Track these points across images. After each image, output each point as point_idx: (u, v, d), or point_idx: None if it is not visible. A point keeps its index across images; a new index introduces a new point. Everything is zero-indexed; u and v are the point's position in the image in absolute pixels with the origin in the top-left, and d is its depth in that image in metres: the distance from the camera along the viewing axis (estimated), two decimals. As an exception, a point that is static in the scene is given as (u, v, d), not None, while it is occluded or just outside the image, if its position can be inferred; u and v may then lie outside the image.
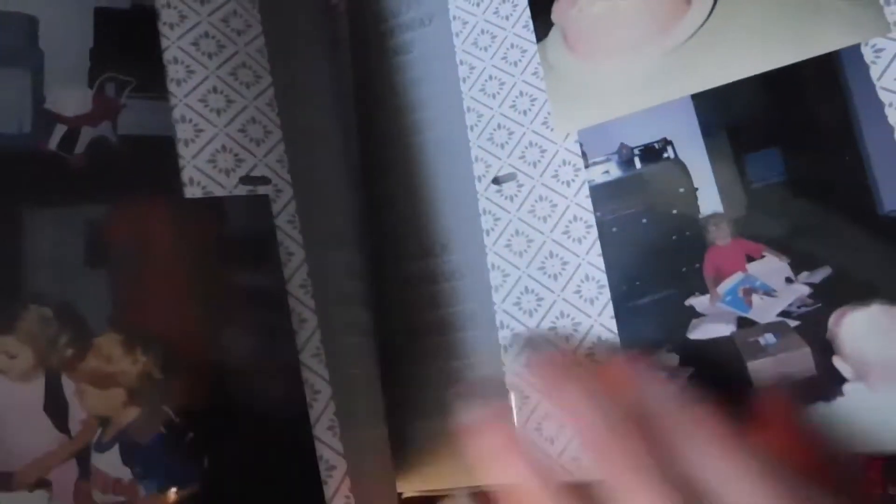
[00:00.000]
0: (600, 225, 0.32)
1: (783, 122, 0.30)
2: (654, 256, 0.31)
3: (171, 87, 0.29)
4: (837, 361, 0.27)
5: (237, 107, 0.30)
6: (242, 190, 0.29)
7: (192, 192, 0.28)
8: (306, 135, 0.32)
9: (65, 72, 0.28)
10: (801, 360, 0.28)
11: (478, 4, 0.37)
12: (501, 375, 0.32)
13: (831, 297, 0.28)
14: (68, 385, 0.25)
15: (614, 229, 0.32)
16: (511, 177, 0.34)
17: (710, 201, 0.30)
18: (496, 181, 0.34)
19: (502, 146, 0.35)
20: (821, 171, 0.29)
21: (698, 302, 0.30)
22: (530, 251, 0.33)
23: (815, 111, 0.29)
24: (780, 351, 0.28)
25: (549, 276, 0.32)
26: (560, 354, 0.29)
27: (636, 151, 0.32)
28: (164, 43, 0.29)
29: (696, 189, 0.31)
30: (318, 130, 0.33)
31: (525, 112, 0.34)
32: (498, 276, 0.33)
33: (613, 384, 0.26)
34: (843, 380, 0.27)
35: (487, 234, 0.34)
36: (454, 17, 0.37)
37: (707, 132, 0.31)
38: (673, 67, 0.32)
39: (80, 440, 0.25)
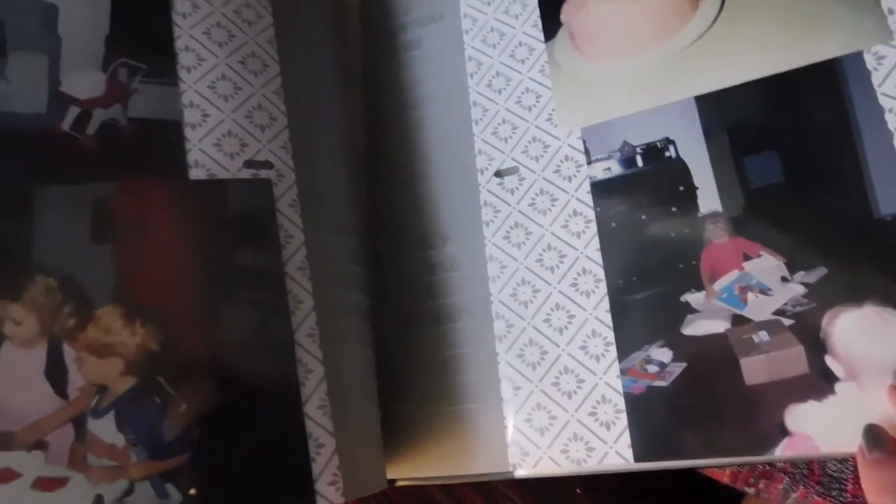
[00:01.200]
0: (600, 220, 0.32)
1: (783, 126, 0.30)
2: (652, 252, 0.31)
3: (182, 73, 0.30)
4: (830, 361, 0.27)
5: (244, 94, 0.31)
6: (246, 173, 0.30)
7: (196, 174, 0.29)
8: (312, 123, 0.33)
9: (81, 57, 0.29)
10: (794, 358, 0.28)
11: (489, 3, 0.38)
12: (495, 366, 0.33)
13: (826, 297, 0.28)
14: (69, 353, 0.26)
15: (613, 225, 0.32)
16: (513, 170, 0.34)
17: (709, 200, 0.30)
18: (498, 174, 0.35)
19: (506, 140, 0.35)
20: (819, 174, 0.29)
21: (693, 298, 0.30)
22: (529, 243, 0.33)
23: (815, 115, 0.29)
24: (774, 349, 0.28)
25: (547, 268, 0.32)
26: None
27: (638, 150, 0.32)
28: (177, 31, 0.31)
29: (696, 188, 0.31)
30: (323, 119, 0.34)
31: (530, 108, 0.35)
32: (495, 267, 0.34)
33: None
34: (835, 379, 0.27)
35: (487, 225, 0.34)
36: (465, 15, 0.38)
37: (708, 133, 0.31)
38: (677, 69, 0.32)
39: (77, 405, 0.26)
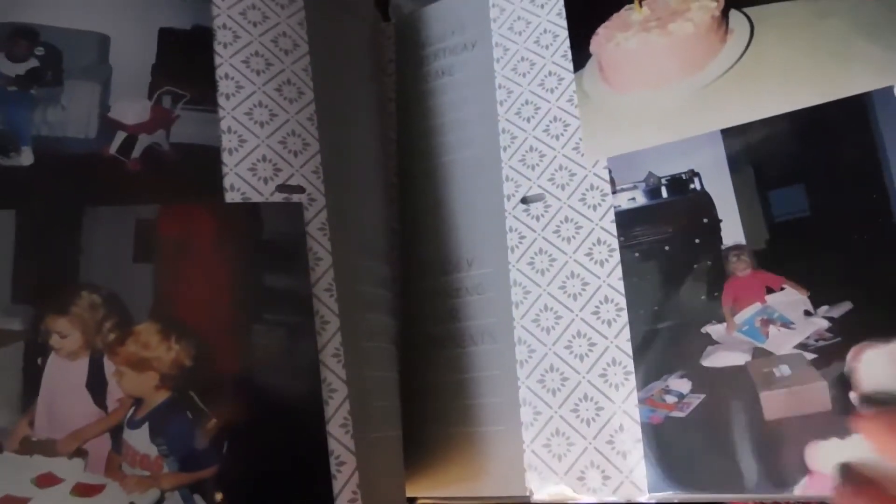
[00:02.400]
0: (623, 250, 0.32)
1: (811, 160, 0.30)
2: (674, 283, 0.31)
3: (221, 100, 0.32)
4: (854, 397, 0.27)
5: (279, 120, 0.32)
6: (278, 197, 0.31)
7: (232, 197, 0.30)
8: (343, 148, 0.34)
9: (129, 85, 0.31)
10: (815, 393, 0.27)
11: (520, 33, 0.38)
12: (516, 390, 0.33)
13: (850, 332, 0.27)
14: (109, 366, 0.28)
15: (636, 255, 0.32)
16: (539, 197, 0.35)
17: (732, 233, 0.30)
18: (524, 201, 0.35)
19: (533, 168, 0.36)
20: (846, 208, 0.29)
21: (714, 330, 0.30)
22: (552, 270, 0.34)
23: (844, 150, 0.29)
24: (795, 383, 0.28)
25: (569, 295, 0.33)
26: None
27: (663, 181, 0.32)
28: (218, 60, 0.32)
29: (720, 220, 0.31)
30: (354, 145, 0.36)
31: (557, 137, 0.36)
32: (519, 293, 0.34)
33: None
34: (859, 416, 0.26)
35: (512, 251, 0.35)
36: (496, 44, 0.39)
37: (734, 166, 0.31)
38: (704, 102, 0.32)
39: (115, 416, 0.27)
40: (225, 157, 0.31)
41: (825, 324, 0.28)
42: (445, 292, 0.36)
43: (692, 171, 0.32)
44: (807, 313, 0.28)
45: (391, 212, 0.38)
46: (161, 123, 0.31)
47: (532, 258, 0.34)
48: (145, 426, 0.27)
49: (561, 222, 0.34)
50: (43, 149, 0.29)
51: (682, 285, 0.31)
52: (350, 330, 0.31)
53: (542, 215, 0.35)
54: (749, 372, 0.29)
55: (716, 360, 0.30)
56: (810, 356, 0.28)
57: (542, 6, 0.38)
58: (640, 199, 0.33)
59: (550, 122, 0.36)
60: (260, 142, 0.32)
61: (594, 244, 0.33)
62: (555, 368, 0.33)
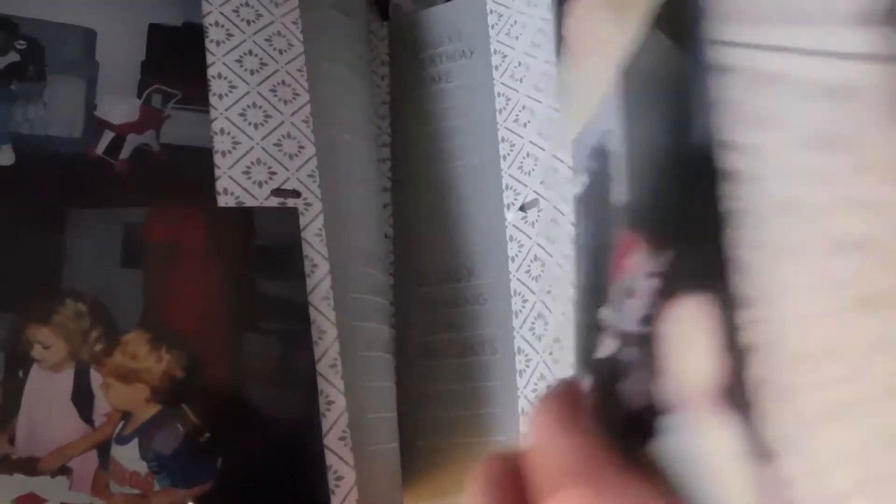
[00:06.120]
0: (576, 240, 0.30)
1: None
2: (595, 268, 0.28)
3: (214, 100, 0.30)
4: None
5: (274, 122, 0.31)
6: (273, 202, 0.30)
7: (225, 201, 0.29)
8: (339, 152, 0.33)
9: (116, 82, 0.30)
10: (643, 380, 0.22)
11: (517, 38, 0.38)
12: (516, 399, 0.32)
13: (666, 289, 0.20)
14: (95, 378, 0.26)
15: (581, 243, 0.29)
16: (534, 203, 0.35)
17: (621, 191, 0.25)
18: (522, 208, 0.35)
19: (529, 173, 0.35)
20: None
21: (604, 313, 0.25)
22: (543, 276, 0.33)
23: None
24: (640, 368, 0.22)
25: (555, 298, 0.32)
26: None
27: (593, 150, 0.29)
28: (210, 59, 0.31)
29: (611, 179, 0.26)
30: (350, 149, 0.35)
31: (548, 137, 0.35)
32: (518, 302, 0.34)
33: None
34: (668, 407, 0.22)
35: (512, 260, 0.34)
36: (495, 51, 0.38)
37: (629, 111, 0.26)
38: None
39: (102, 432, 0.26)
40: (218, 159, 0.30)
41: (656, 283, 0.22)
42: (444, 301, 0.36)
43: (609, 130, 0.29)
44: (650, 274, 0.23)
45: (388, 218, 0.37)
46: (151, 123, 0.29)
47: (529, 266, 0.34)
48: (134, 441, 0.26)
49: (548, 224, 0.34)
50: (24, 148, 0.28)
51: (598, 268, 0.27)
52: (348, 339, 0.30)
53: (536, 221, 0.34)
54: (615, 359, 0.23)
55: (600, 349, 0.24)
56: (647, 330, 0.22)
57: (536, 6, 0.37)
58: (585, 179, 0.30)
59: (543, 124, 0.35)
60: (254, 144, 0.30)
61: (567, 240, 0.32)
62: (544, 377, 0.32)
